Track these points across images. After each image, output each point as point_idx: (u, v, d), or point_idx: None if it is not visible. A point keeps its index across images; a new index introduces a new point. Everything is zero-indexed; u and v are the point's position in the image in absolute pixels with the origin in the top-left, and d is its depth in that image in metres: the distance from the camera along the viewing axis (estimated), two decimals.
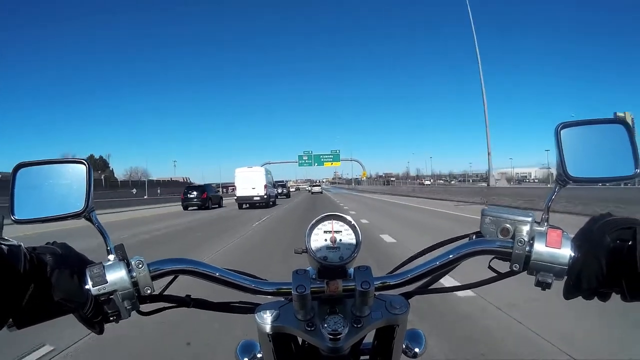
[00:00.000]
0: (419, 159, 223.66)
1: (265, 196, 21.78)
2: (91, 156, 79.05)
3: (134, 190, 52.66)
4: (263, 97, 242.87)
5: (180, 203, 24.60)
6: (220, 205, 25.25)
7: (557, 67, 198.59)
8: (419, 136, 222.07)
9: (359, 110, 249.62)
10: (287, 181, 68.45)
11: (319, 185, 70.32)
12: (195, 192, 24.00)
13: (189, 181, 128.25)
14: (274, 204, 23.85)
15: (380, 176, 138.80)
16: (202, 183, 30.10)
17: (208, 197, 23.89)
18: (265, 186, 21.99)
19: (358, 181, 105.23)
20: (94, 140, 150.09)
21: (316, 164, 70.48)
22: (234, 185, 24.96)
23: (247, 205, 21.76)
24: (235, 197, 22.72)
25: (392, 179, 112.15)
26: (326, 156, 70.36)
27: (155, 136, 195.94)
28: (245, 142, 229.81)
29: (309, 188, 76.21)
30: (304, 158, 70.86)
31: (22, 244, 0.50)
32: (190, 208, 23.50)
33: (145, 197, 46.91)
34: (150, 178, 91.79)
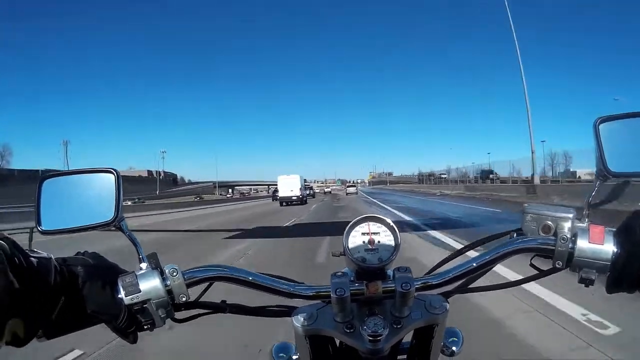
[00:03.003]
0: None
1: (300, 196, 29.93)
2: None
3: None
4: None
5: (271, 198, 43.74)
6: None
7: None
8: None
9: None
10: (311, 183, 73.35)
11: (354, 186, 65.42)
12: (278, 193, 34.81)
13: (156, 174, 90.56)
14: (306, 202, 30.97)
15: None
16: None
17: None
18: (301, 189, 30.73)
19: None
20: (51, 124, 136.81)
21: None
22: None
23: (285, 203, 28.74)
24: (278, 197, 31.49)
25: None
26: None
27: (139, 123, 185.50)
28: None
29: (326, 189, 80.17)
30: None
31: (52, 256, 0.50)
32: (274, 200, 38.17)
33: None
34: (24, 168, 53.78)
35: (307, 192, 37.64)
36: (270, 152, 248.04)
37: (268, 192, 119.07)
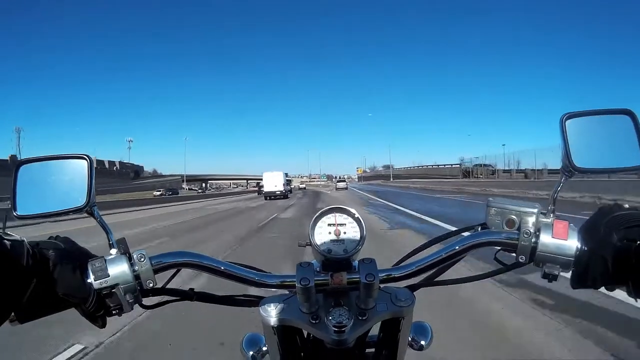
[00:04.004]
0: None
1: (284, 191, 33.15)
2: None
3: None
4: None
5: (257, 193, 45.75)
6: None
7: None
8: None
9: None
10: (295, 178, 78.97)
11: (344, 181, 64.19)
12: (263, 188, 37.40)
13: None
14: (287, 196, 33.71)
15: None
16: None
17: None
18: (284, 184, 33.87)
19: None
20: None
21: None
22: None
23: (270, 197, 32.14)
24: (263, 192, 34.31)
25: None
26: None
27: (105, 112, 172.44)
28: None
29: (301, 185, 76.44)
30: None
31: (24, 239, 0.50)
32: (259, 194, 40.33)
33: None
34: None
35: (289, 187, 39.85)
36: (252, 145, 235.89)
37: (247, 187, 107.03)
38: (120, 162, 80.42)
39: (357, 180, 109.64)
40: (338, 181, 64.33)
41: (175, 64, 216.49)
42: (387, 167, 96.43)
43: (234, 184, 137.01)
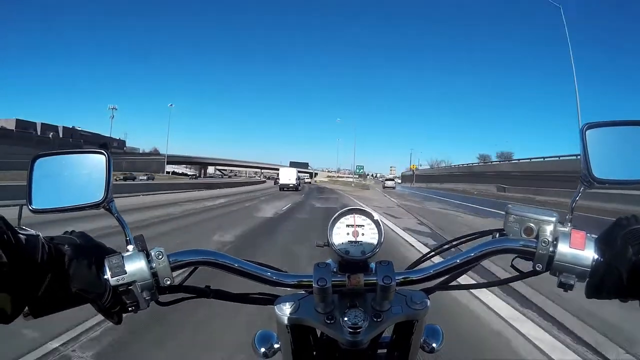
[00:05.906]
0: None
1: (296, 184, 39.42)
2: None
3: None
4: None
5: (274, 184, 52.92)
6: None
7: None
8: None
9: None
10: (317, 172, 78.99)
11: (392, 180, 59.90)
12: (279, 180, 44.38)
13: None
14: (299, 189, 39.39)
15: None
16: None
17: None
18: (296, 179, 40.48)
19: None
20: None
21: None
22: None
23: (284, 189, 37.58)
24: (279, 184, 40.82)
25: None
26: None
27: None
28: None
29: (307, 179, 71.55)
30: None
31: (40, 234, 0.50)
32: (275, 184, 48.14)
33: None
34: None
35: (300, 182, 44.99)
36: (274, 133, 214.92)
37: (260, 177, 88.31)
38: (67, 128, 56.29)
39: (400, 181, 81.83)
40: (386, 179, 61.12)
41: (195, 43, 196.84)
42: (483, 157, 64.05)
43: (252, 172, 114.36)
